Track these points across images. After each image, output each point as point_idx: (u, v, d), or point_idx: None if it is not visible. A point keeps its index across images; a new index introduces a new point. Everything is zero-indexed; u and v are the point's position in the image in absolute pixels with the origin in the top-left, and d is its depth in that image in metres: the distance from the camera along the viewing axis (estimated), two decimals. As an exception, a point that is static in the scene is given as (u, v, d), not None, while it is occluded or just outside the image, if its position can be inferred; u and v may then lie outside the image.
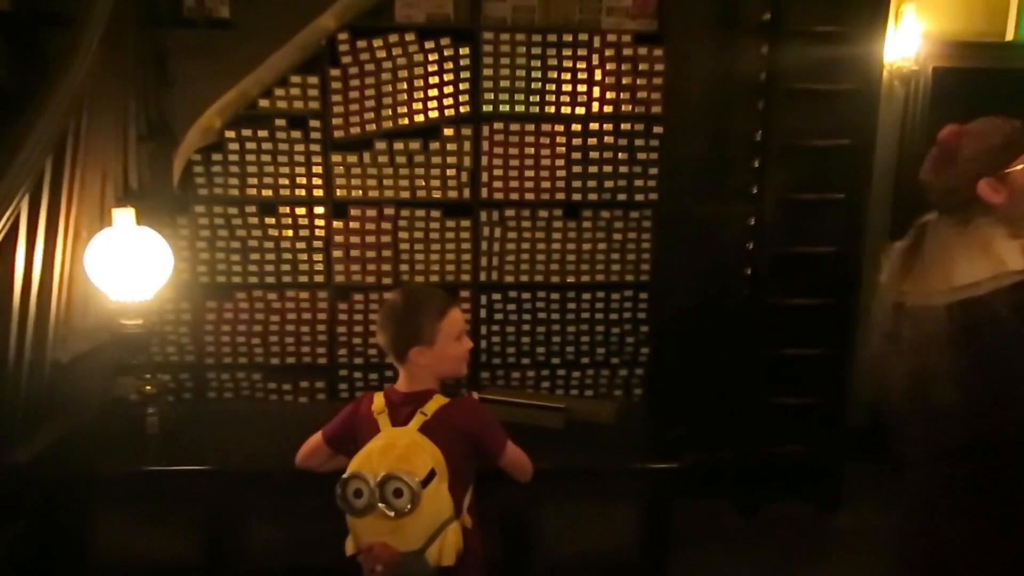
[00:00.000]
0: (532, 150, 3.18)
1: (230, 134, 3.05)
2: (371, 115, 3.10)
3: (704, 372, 3.40)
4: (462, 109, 3.13)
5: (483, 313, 3.28)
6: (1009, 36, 3.71)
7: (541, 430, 2.29)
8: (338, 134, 3.10)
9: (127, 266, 2.13)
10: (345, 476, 1.66)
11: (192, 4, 2.81)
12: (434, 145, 3.14)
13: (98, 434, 2.28)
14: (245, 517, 2.12)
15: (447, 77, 3.10)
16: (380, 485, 1.61)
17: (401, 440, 1.69)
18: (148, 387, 2.28)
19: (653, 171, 3.22)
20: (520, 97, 3.14)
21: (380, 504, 1.62)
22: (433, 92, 3.11)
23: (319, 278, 3.20)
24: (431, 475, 1.65)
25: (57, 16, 2.79)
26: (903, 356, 1.55)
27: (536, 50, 3.11)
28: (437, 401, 1.78)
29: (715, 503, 3.45)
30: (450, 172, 3.16)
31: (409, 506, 1.60)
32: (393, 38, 3.05)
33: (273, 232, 3.15)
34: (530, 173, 3.19)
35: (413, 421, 1.75)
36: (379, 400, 1.81)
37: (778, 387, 3.39)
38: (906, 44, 3.59)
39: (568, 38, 3.11)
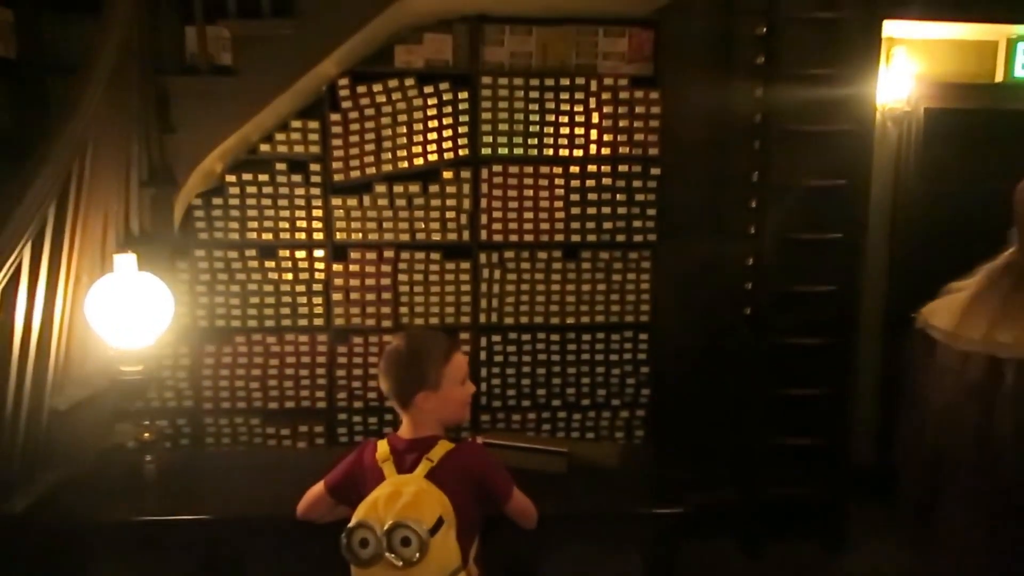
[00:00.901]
0: (531, 192, 3.20)
1: (231, 178, 3.07)
2: (371, 159, 3.12)
3: (706, 413, 3.38)
4: (461, 152, 3.16)
5: (483, 355, 3.27)
6: (999, 78, 3.78)
7: (543, 475, 2.27)
8: (338, 177, 3.12)
9: (128, 313, 2.12)
10: (351, 525, 1.63)
11: (195, 51, 2.85)
12: (433, 188, 3.16)
13: (95, 482, 2.25)
14: (244, 566, 2.08)
15: (446, 121, 3.14)
16: (387, 534, 1.58)
17: (408, 487, 1.66)
18: (146, 434, 2.25)
19: (651, 212, 3.24)
20: (518, 140, 3.18)
21: (388, 554, 1.58)
22: (432, 136, 3.14)
23: (319, 321, 3.19)
24: (439, 523, 1.62)
25: (62, 64, 2.84)
26: (1006, 409, 1.46)
27: (534, 94, 3.15)
28: (443, 447, 1.76)
29: (720, 544, 3.40)
30: (449, 214, 3.17)
31: (417, 555, 1.57)
32: (393, 83, 3.10)
33: (273, 275, 3.15)
34: (529, 215, 3.21)
35: (419, 468, 1.72)
36: (383, 448, 1.78)
37: (780, 427, 3.36)
38: (898, 86, 3.65)
39: (565, 82, 3.16)
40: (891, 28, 3.45)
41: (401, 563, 1.58)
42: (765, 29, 3.21)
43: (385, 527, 1.59)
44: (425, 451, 1.74)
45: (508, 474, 1.85)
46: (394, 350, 1.81)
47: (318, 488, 1.86)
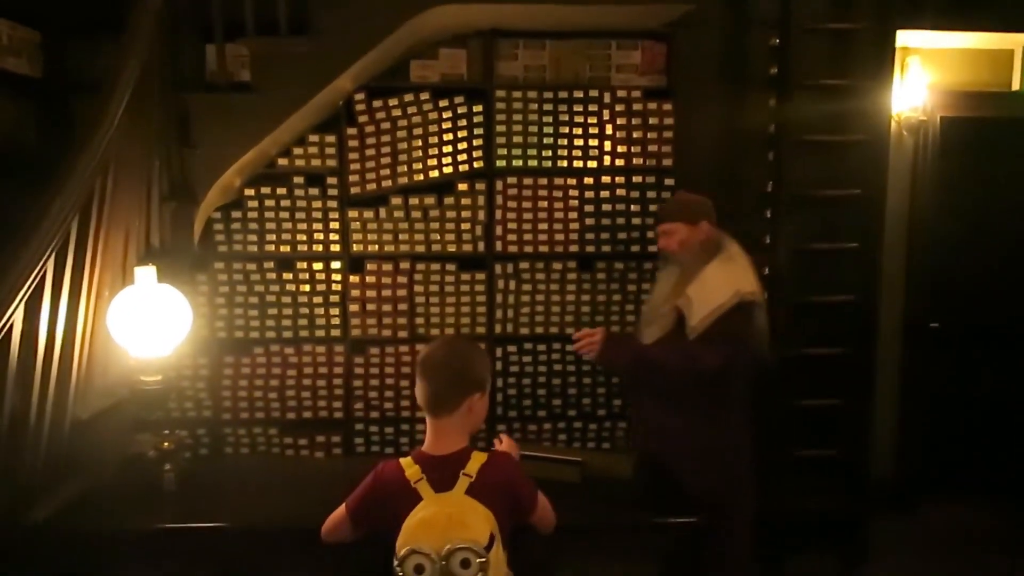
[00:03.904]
0: (545, 204, 3.22)
1: (249, 192, 3.12)
2: (387, 172, 3.16)
3: (722, 423, 3.36)
4: (476, 165, 3.19)
5: (499, 365, 3.28)
6: (1015, 86, 3.76)
7: (557, 484, 2.27)
8: (355, 190, 3.16)
9: (148, 324, 2.16)
10: (403, 553, 1.59)
11: (215, 68, 2.90)
12: (449, 200, 3.19)
13: (116, 491, 2.28)
14: (261, 574, 2.10)
15: (461, 134, 3.17)
16: (446, 558, 1.56)
17: (453, 507, 1.63)
18: (166, 443, 2.29)
19: (666, 223, 3.25)
20: (533, 152, 3.20)
21: None
22: (447, 149, 3.17)
23: (336, 332, 3.22)
24: (491, 540, 1.60)
25: (87, 83, 2.90)
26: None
27: (548, 107, 3.18)
28: (477, 460, 1.72)
29: (737, 558, 3.37)
30: (465, 226, 3.20)
31: (480, 574, 1.56)
32: (408, 97, 3.14)
33: (290, 287, 3.19)
34: (544, 226, 3.23)
35: (458, 484, 1.68)
36: (411, 467, 1.72)
37: (797, 439, 3.34)
38: (913, 95, 3.65)
39: (579, 95, 3.18)
40: (905, 38, 3.46)
41: None
42: (778, 40, 3.22)
43: (442, 551, 1.56)
44: (460, 466, 1.70)
45: (533, 482, 1.84)
46: (452, 351, 1.76)
47: (340, 513, 1.82)
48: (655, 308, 2.63)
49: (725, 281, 2.43)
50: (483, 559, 1.56)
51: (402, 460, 1.75)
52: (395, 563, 1.60)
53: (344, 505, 1.82)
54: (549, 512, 1.86)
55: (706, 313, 2.39)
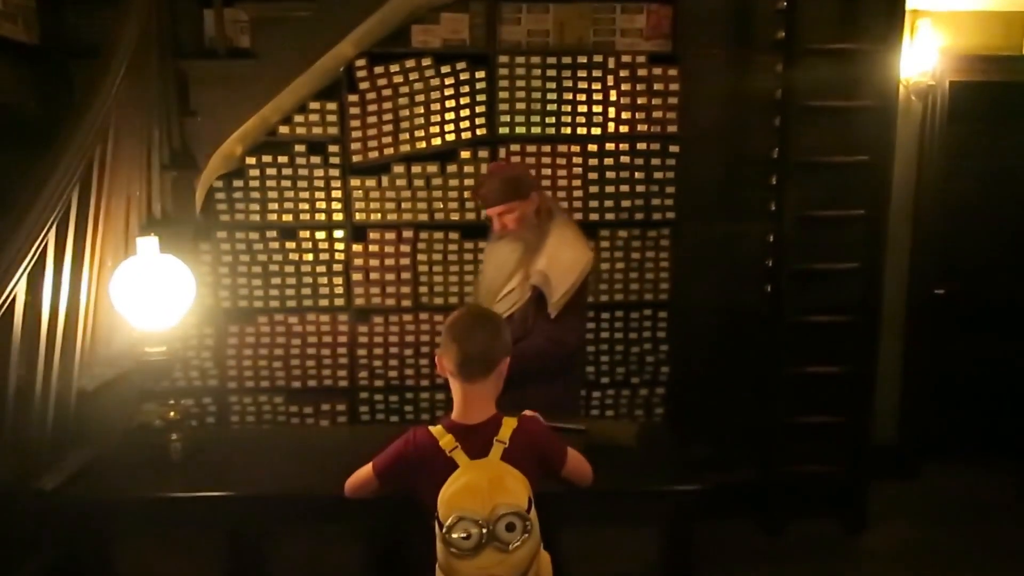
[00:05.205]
0: (549, 171, 3.19)
1: (251, 160, 3.10)
2: (389, 139, 3.13)
3: (726, 391, 3.38)
4: (479, 132, 3.16)
5: (502, 334, 3.28)
6: (1026, 49, 3.69)
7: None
8: (357, 158, 3.13)
9: (151, 294, 2.15)
10: (450, 521, 1.60)
11: (213, 35, 2.86)
12: (451, 168, 3.17)
13: (122, 461, 2.29)
14: (268, 542, 2.12)
15: (463, 100, 3.13)
16: (492, 523, 1.58)
17: (491, 474, 1.65)
18: (171, 413, 2.29)
19: (670, 190, 3.23)
20: (536, 119, 3.17)
21: (495, 542, 1.58)
22: (450, 115, 3.14)
23: (339, 301, 3.22)
24: (529, 503, 1.63)
25: (84, 49, 2.87)
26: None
27: (551, 72, 3.14)
28: (508, 426, 1.74)
29: (739, 523, 3.41)
30: (467, 194, 3.18)
31: (525, 536, 1.59)
32: (410, 63, 3.09)
33: (293, 256, 3.18)
34: (547, 194, 3.19)
35: (493, 451, 1.70)
36: (444, 436, 1.73)
37: (800, 405, 3.36)
38: (922, 59, 3.58)
39: (583, 60, 3.14)
40: (915, 0, 3.39)
41: (509, 547, 1.58)
42: (785, 3, 3.17)
43: (487, 517, 1.58)
44: (493, 433, 1.72)
45: (559, 438, 1.86)
46: (480, 315, 1.81)
47: (366, 472, 1.83)
48: (497, 283, 2.59)
49: (573, 254, 2.52)
50: (528, 521, 1.59)
51: (432, 429, 1.76)
52: (440, 530, 1.62)
53: (371, 465, 1.83)
54: (583, 465, 1.89)
55: (566, 289, 2.48)
